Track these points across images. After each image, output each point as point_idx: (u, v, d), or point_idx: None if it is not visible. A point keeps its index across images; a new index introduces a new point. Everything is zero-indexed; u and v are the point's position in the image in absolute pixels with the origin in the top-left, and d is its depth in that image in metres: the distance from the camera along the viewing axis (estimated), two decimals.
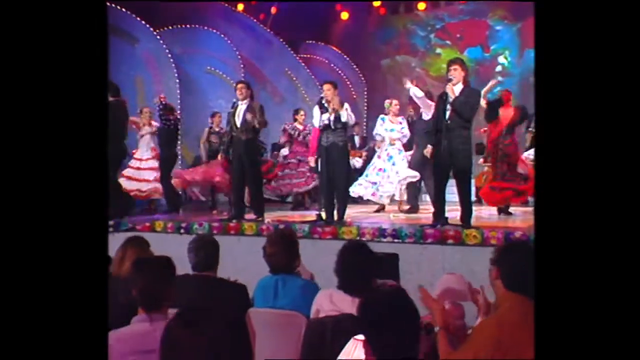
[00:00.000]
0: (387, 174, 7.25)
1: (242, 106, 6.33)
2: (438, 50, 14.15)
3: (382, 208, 7.68)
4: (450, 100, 5.16)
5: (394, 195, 7.46)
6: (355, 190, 7.36)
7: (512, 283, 2.19)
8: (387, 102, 7.73)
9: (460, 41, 13.90)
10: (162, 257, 2.43)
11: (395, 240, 4.49)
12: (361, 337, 2.05)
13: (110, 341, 2.28)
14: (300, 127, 8.46)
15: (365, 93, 13.05)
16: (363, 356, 2.06)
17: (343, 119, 5.95)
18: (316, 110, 6.10)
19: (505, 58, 13.59)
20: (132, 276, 2.39)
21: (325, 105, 5.97)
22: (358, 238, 4.61)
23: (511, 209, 7.12)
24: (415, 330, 1.66)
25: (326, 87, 6.02)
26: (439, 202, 5.37)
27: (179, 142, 8.96)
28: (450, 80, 5.29)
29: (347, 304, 2.77)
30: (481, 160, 7.41)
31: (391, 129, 7.50)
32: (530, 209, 6.79)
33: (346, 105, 6.10)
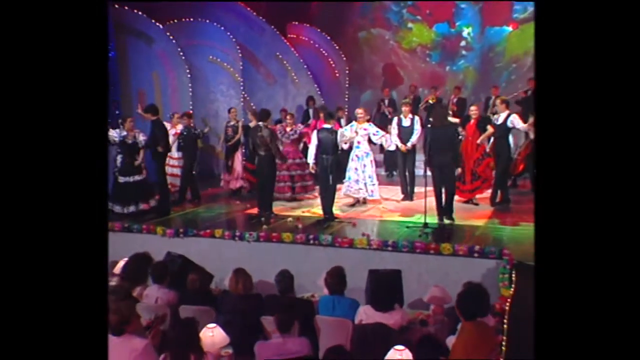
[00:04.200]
0: (358, 173, 8.71)
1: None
2: (410, 25, 15.62)
3: (357, 202, 8.87)
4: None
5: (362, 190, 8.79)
6: (345, 192, 8.84)
7: (469, 316, 4.02)
8: (356, 111, 8.99)
9: (430, 17, 15.40)
10: (291, 299, 4.33)
11: (394, 250, 6.37)
12: (400, 347, 4.00)
13: (259, 348, 4.20)
14: (288, 129, 9.37)
15: (347, 71, 14.53)
16: None
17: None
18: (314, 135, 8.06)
19: (469, 34, 15.19)
20: (274, 311, 4.28)
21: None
22: (368, 247, 6.50)
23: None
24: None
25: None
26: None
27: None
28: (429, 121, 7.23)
29: (376, 316, 4.71)
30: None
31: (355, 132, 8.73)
32: (486, 195, 8.73)
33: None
